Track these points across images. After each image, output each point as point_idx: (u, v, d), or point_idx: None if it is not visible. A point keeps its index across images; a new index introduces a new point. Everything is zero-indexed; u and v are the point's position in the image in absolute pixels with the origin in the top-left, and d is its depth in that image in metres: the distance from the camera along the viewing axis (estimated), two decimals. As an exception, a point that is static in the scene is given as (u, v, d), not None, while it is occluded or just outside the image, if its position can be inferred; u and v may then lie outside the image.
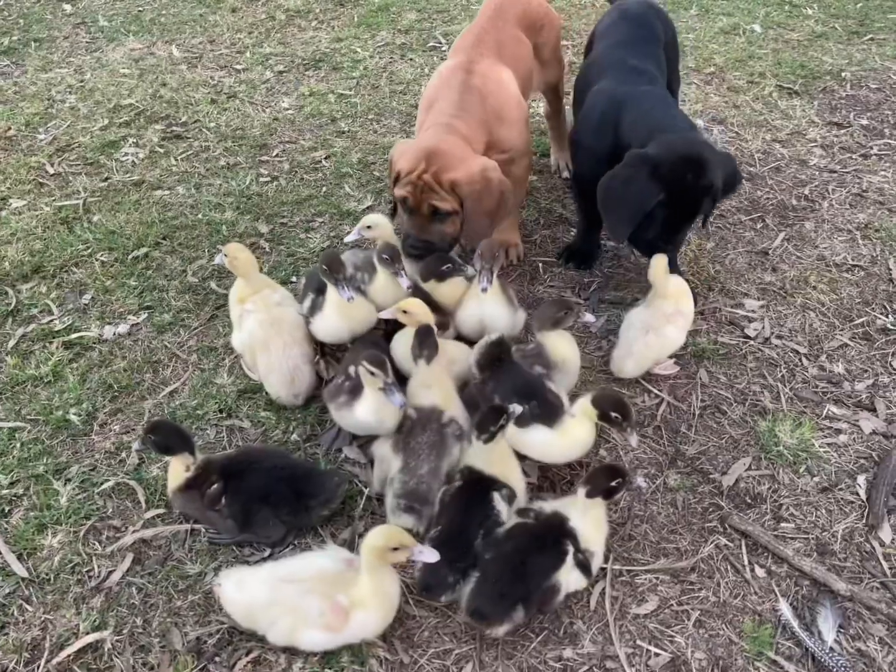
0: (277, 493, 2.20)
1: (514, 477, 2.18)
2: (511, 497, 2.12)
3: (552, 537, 2.03)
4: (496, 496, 2.10)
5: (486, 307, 2.62)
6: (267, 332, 2.58)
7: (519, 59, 3.28)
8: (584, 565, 2.04)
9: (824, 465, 2.45)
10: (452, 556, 2.00)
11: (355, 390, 2.32)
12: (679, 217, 2.77)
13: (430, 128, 2.91)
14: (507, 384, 2.36)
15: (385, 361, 2.21)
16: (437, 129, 2.88)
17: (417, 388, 2.33)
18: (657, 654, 1.98)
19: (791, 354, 2.86)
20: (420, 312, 2.43)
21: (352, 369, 2.36)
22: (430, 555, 1.90)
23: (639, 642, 2.01)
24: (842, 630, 2.02)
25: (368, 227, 2.78)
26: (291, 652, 1.96)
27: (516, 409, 2.11)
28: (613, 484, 2.05)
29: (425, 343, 2.29)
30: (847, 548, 2.22)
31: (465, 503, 2.10)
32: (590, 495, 2.05)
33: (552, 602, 2.01)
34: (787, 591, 2.12)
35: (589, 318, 2.62)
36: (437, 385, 2.31)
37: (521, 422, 2.26)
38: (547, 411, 2.29)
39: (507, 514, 2.10)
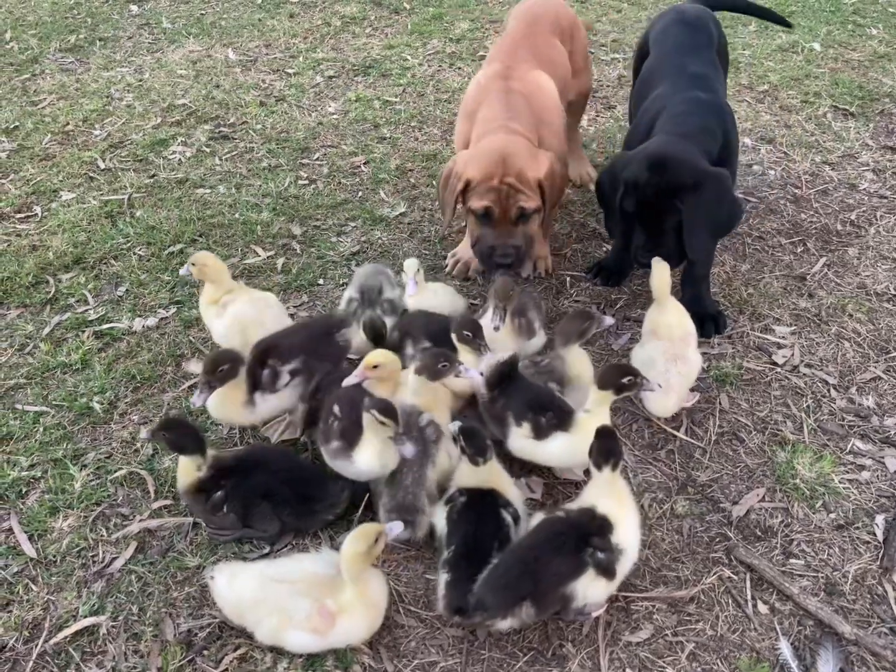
0: (280, 493, 2.23)
1: (510, 489, 2.16)
2: (515, 516, 2.10)
3: (574, 541, 1.94)
4: (503, 511, 2.08)
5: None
6: (259, 308, 2.66)
7: (556, 64, 3.28)
8: (606, 568, 1.93)
9: (842, 502, 2.35)
10: (473, 572, 1.96)
11: (348, 433, 2.18)
12: (646, 219, 2.70)
13: (485, 133, 2.90)
14: (518, 399, 2.34)
15: (395, 409, 2.10)
16: (497, 133, 2.87)
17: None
18: (646, 685, 1.93)
19: (819, 384, 2.76)
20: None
21: (336, 408, 2.24)
22: (396, 527, 1.97)
23: (628, 671, 1.96)
24: (843, 675, 1.93)
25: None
26: (278, 652, 1.98)
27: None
28: (625, 381, 2.14)
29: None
30: (857, 589, 2.13)
31: (476, 517, 2.08)
32: (602, 387, 2.15)
33: (567, 610, 1.96)
34: (790, 629, 2.04)
35: (608, 321, 2.57)
36: (421, 388, 2.29)
37: (540, 434, 2.25)
38: (562, 418, 2.26)
39: (514, 532, 2.08)
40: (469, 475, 2.14)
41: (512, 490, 2.18)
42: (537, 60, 3.17)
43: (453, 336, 2.45)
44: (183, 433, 2.25)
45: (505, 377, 2.37)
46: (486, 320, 2.57)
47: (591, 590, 1.94)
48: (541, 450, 2.28)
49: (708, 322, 2.96)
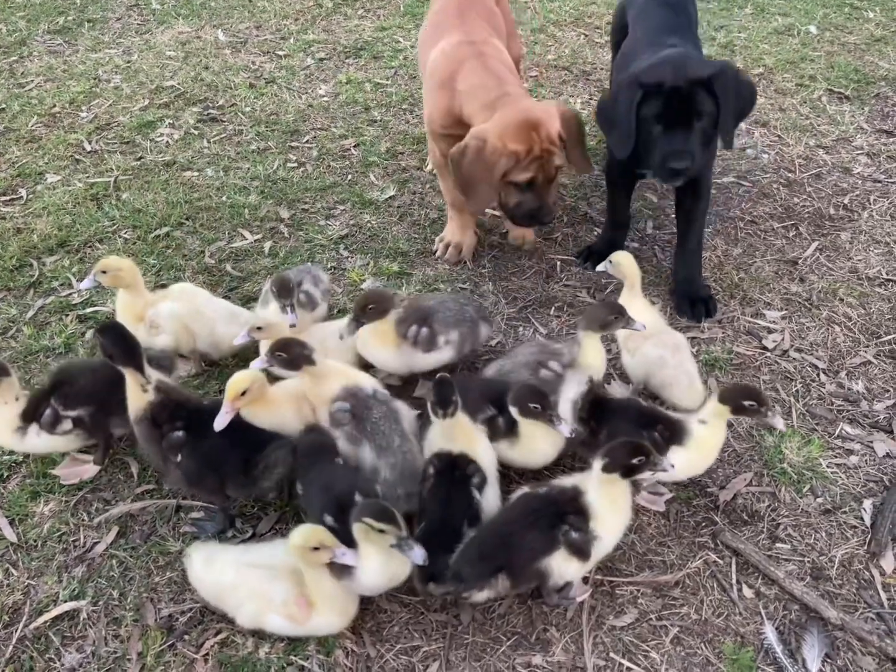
0: (230, 462, 2.12)
1: (480, 449, 2.11)
2: (481, 484, 2.06)
3: (550, 516, 1.93)
4: (472, 488, 2.04)
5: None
6: (186, 299, 2.58)
7: (500, 31, 3.25)
8: (579, 548, 1.90)
9: (830, 487, 2.34)
10: (444, 545, 1.93)
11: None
12: (672, 119, 2.62)
13: (490, 102, 2.81)
14: (622, 421, 2.21)
15: (394, 513, 1.80)
16: (509, 100, 2.79)
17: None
18: (629, 669, 1.92)
19: (809, 369, 2.74)
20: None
21: (329, 519, 1.95)
22: (351, 557, 1.81)
23: (612, 655, 1.95)
24: (828, 660, 1.92)
25: (259, 328, 2.34)
26: (259, 636, 1.97)
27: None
28: (634, 462, 1.88)
29: None
30: (844, 574, 2.11)
31: (445, 492, 2.05)
32: (606, 470, 1.90)
33: (545, 586, 1.96)
34: (775, 614, 2.03)
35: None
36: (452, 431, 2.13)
37: (659, 450, 2.08)
38: (674, 431, 2.17)
39: (484, 504, 2.04)
40: (440, 437, 2.11)
41: (482, 452, 2.12)
42: (489, 26, 3.13)
43: (514, 410, 2.15)
44: (116, 339, 2.12)
45: (595, 405, 2.25)
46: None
47: (565, 568, 1.93)
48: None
49: (699, 305, 2.94)
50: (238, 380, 2.07)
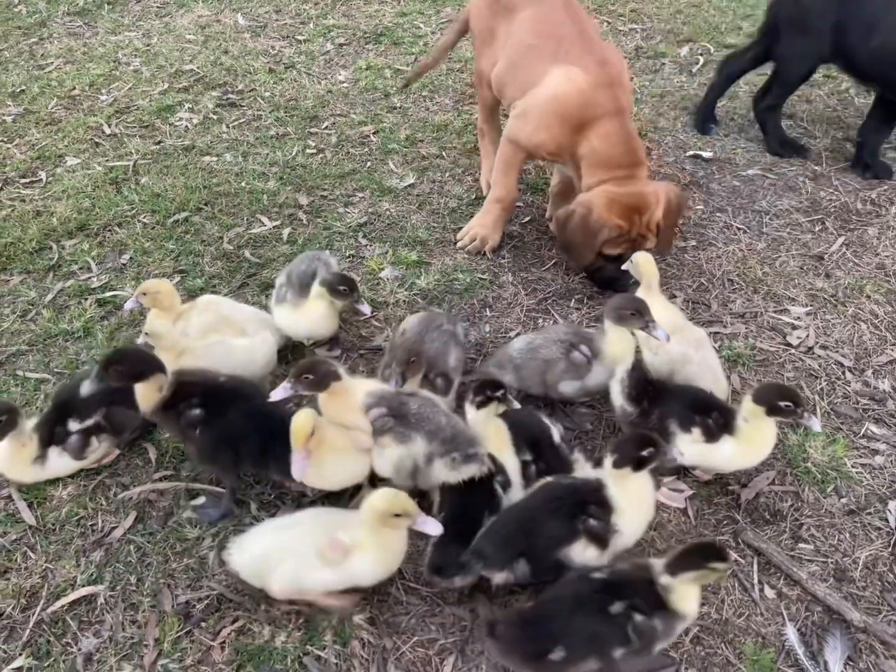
0: (248, 442, 2.14)
1: (507, 455, 2.11)
2: (505, 484, 2.05)
3: (572, 505, 1.91)
4: (494, 482, 2.04)
5: None
6: (212, 310, 2.53)
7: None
8: (597, 535, 1.90)
9: (854, 487, 2.30)
10: (460, 538, 1.94)
11: None
12: None
13: (619, 179, 2.83)
14: (677, 404, 2.21)
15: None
16: (632, 181, 2.84)
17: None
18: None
19: (834, 366, 2.70)
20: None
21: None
22: (433, 526, 1.84)
23: (630, 653, 1.93)
24: (850, 663, 1.90)
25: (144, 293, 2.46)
26: (276, 624, 1.96)
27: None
28: (644, 454, 1.87)
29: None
30: (868, 576, 2.08)
31: (467, 483, 2.04)
32: (617, 465, 1.89)
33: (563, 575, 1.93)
34: (797, 615, 2.00)
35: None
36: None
37: (712, 436, 2.14)
38: (728, 420, 2.15)
39: (506, 502, 2.04)
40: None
41: (509, 458, 2.12)
42: (606, 49, 3.01)
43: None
44: (136, 359, 2.15)
45: (647, 386, 2.24)
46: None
47: (584, 558, 1.91)
48: (714, 453, 2.16)
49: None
50: (302, 422, 1.97)
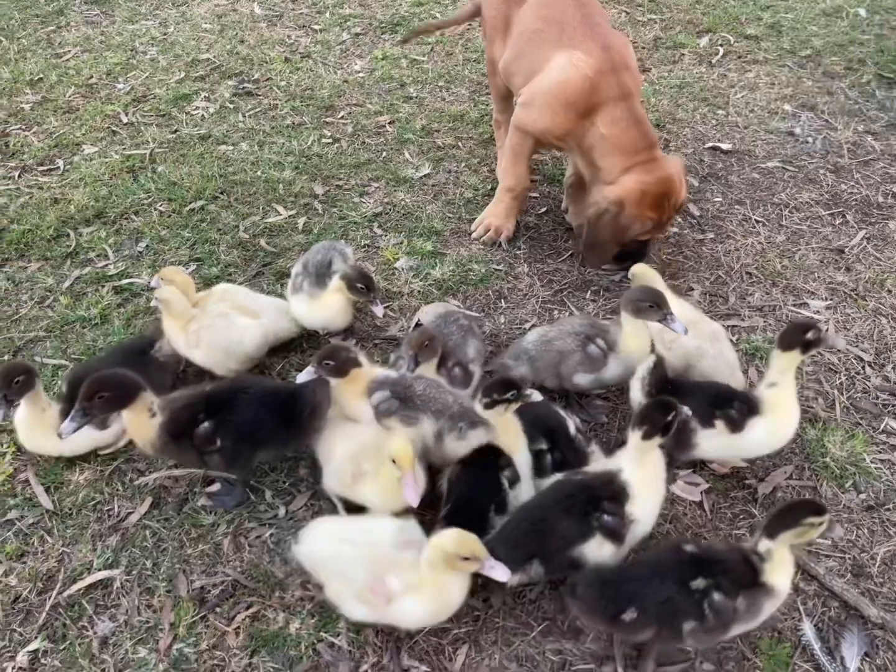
0: (267, 425, 2.13)
1: (520, 451, 2.08)
2: (513, 479, 2.04)
3: (585, 503, 1.90)
4: (501, 476, 2.02)
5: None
6: (227, 298, 2.56)
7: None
8: (613, 531, 1.88)
9: (873, 482, 2.28)
10: (469, 527, 1.89)
11: None
12: None
13: (639, 165, 2.79)
14: (695, 401, 2.15)
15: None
16: (654, 166, 2.80)
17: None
18: (660, 661, 1.89)
19: (854, 361, 2.67)
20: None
21: None
22: (501, 572, 1.73)
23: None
24: (867, 659, 1.88)
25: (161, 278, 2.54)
26: (290, 611, 1.97)
27: (535, 395, 2.03)
28: (670, 419, 1.87)
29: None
30: (886, 572, 2.06)
31: (474, 476, 2.04)
32: (647, 436, 1.87)
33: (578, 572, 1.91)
34: (814, 611, 1.98)
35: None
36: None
37: (736, 426, 2.12)
38: (750, 404, 2.13)
39: (513, 496, 2.02)
40: None
41: (520, 454, 2.09)
42: (612, 36, 2.95)
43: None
44: (117, 383, 2.00)
45: (664, 384, 2.21)
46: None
47: (600, 555, 1.89)
48: (742, 442, 2.14)
49: None
50: (405, 447, 1.91)
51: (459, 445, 2.04)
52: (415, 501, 1.90)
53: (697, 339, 2.41)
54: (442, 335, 2.43)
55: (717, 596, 1.73)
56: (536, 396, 2.05)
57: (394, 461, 1.91)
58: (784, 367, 2.11)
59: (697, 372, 2.41)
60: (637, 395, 2.22)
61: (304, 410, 2.13)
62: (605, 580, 1.81)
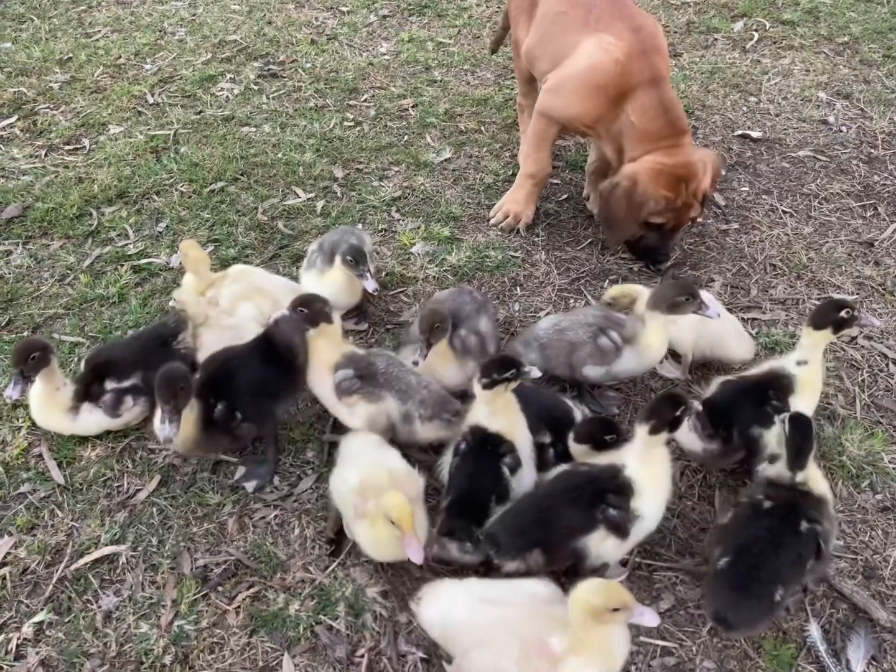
0: (270, 376, 2.21)
1: (519, 432, 2.05)
2: (514, 466, 2.01)
3: (590, 494, 1.88)
4: (502, 465, 1.99)
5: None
6: (245, 280, 2.62)
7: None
8: (617, 525, 1.86)
9: (890, 483, 2.21)
10: (470, 518, 1.93)
11: None
12: None
13: (655, 141, 2.75)
14: (741, 416, 2.12)
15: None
16: (674, 147, 2.76)
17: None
18: (663, 656, 1.87)
19: (878, 358, 2.59)
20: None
21: None
22: (650, 617, 1.60)
23: (645, 639, 1.89)
24: (874, 662, 1.83)
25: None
26: (290, 593, 1.98)
27: (534, 371, 2.00)
28: (678, 413, 1.86)
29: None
30: (899, 576, 2.01)
31: (474, 466, 2.02)
32: (655, 431, 1.85)
33: (581, 566, 1.90)
34: (821, 612, 1.94)
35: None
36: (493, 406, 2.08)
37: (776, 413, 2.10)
38: (784, 387, 2.13)
39: (514, 484, 2.00)
40: (481, 413, 2.05)
41: (521, 436, 2.05)
42: (643, 16, 2.90)
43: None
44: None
45: (711, 417, 2.14)
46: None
47: (603, 548, 1.87)
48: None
49: None
50: (403, 503, 1.80)
51: (426, 429, 2.09)
52: (420, 560, 1.79)
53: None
54: (455, 304, 2.44)
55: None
56: (535, 373, 2.02)
57: (392, 521, 1.79)
58: (814, 344, 2.10)
59: (707, 340, 2.45)
60: (696, 444, 2.15)
61: (280, 347, 2.21)
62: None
